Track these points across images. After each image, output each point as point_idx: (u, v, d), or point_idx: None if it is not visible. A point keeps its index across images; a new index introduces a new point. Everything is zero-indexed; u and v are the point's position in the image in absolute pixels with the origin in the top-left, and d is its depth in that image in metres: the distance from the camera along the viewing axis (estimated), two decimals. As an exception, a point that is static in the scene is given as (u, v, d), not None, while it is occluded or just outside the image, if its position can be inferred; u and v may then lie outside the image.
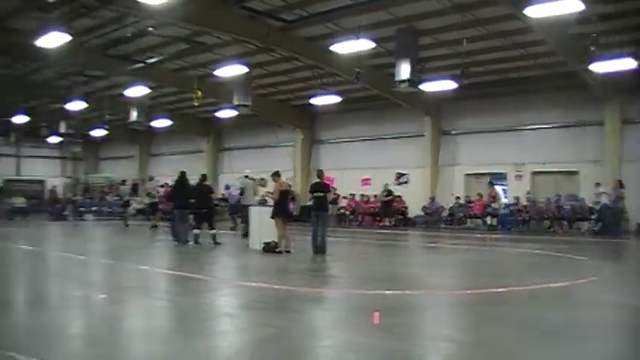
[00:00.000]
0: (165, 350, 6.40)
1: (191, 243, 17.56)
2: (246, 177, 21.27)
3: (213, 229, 17.81)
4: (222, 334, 7.31)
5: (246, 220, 20.04)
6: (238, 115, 28.06)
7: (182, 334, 7.11)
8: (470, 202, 27.26)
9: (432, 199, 27.93)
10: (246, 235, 19.48)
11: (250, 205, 19.54)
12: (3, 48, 21.31)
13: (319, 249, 15.06)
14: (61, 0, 17.72)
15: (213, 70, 23.18)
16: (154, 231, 23.69)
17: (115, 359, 6.16)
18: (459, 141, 28.48)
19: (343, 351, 6.49)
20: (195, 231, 17.83)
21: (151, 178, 30.06)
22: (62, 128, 36.88)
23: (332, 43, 19.31)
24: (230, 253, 16.75)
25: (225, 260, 15.72)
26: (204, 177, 19.26)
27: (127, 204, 29.00)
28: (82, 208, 36.23)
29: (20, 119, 35.08)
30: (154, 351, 6.39)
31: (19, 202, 34.82)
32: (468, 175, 28.25)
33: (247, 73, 22.69)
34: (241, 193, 20.95)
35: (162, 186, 26.66)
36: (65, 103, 30.45)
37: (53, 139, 40.81)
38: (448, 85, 21.95)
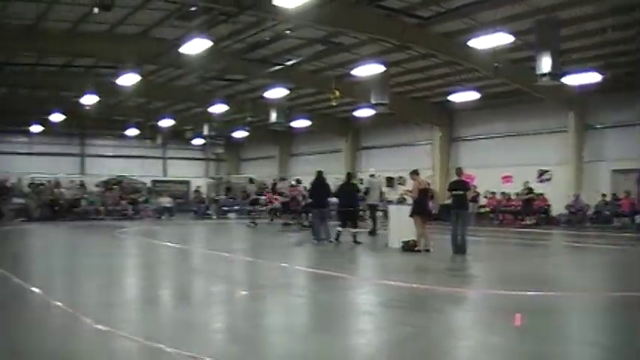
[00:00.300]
0: (305, 347, 6.49)
1: (332, 241, 17.65)
2: (372, 176, 21.36)
3: (355, 227, 17.88)
4: (361, 332, 7.33)
5: (373, 219, 20.20)
6: (376, 113, 28.07)
7: (321, 331, 7.19)
8: (617, 199, 25.96)
9: (577, 196, 26.83)
10: (372, 233, 19.58)
11: (376, 204, 19.65)
12: (150, 56, 22.31)
13: (459, 248, 14.82)
14: (202, 8, 18.36)
15: (350, 70, 23.27)
16: (286, 229, 24.20)
17: (257, 355, 6.31)
18: (605, 136, 27.12)
19: (483, 352, 6.35)
20: (339, 229, 17.87)
21: (283, 179, 30.67)
22: (205, 130, 38.19)
23: (469, 39, 18.89)
24: (369, 252, 16.77)
25: (364, 259, 15.79)
26: (350, 176, 19.38)
27: (255, 202, 29.62)
28: (224, 208, 37.45)
29: (166, 123, 36.68)
30: (295, 348, 6.49)
31: (166, 201, 36.40)
32: (614, 171, 26.88)
33: (384, 71, 22.60)
34: (366, 192, 20.96)
35: (291, 185, 27.24)
36: (208, 107, 31.48)
37: (197, 141, 42.39)
38: (592, 77, 20.97)
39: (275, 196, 27.96)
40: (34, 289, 9.85)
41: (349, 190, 18.41)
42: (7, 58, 25.09)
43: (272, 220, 27.26)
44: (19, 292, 9.75)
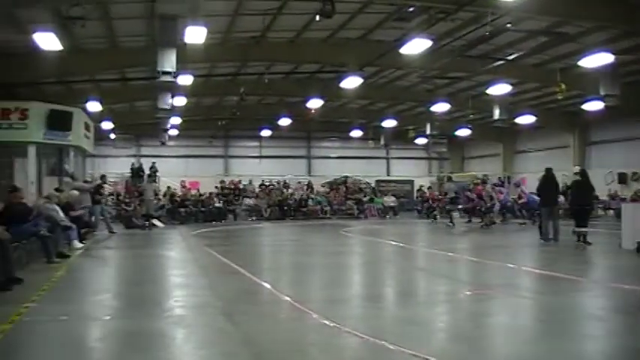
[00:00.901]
0: (531, 350, 6.29)
1: (583, 242, 16.78)
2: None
3: (584, 227, 17.01)
4: (592, 337, 6.95)
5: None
6: (606, 106, 26.55)
7: (548, 334, 6.92)
8: None
9: None
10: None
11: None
12: (371, 59, 22.68)
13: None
14: (420, 8, 18.39)
15: (577, 61, 22.21)
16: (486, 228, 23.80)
17: (481, 356, 6.21)
18: None
19: None
20: (577, 229, 16.98)
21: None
22: (428, 130, 38.17)
23: None
24: (600, 253, 15.89)
25: (595, 260, 14.98)
26: (584, 172, 18.47)
27: (453, 201, 29.10)
28: (448, 207, 37.12)
29: (389, 123, 37.13)
30: (520, 350, 6.31)
31: (390, 201, 36.88)
32: None
33: (613, 60, 21.32)
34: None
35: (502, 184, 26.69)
36: (430, 106, 31.50)
37: (419, 141, 42.44)
38: None
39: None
40: (264, 284, 10.43)
41: (584, 187, 17.55)
42: (238, 69, 26.75)
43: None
44: (252, 286, 10.34)
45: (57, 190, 18.75)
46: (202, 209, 30.92)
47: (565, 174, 25.29)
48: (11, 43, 20.27)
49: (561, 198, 20.44)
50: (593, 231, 17.51)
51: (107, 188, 27.09)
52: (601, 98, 24.15)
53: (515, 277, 11.86)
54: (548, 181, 18.24)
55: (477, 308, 8.60)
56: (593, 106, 27.67)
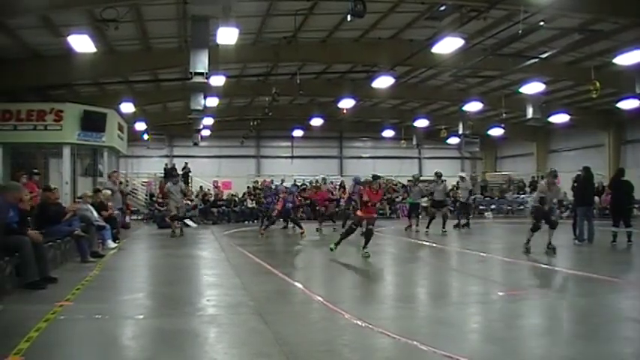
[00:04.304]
0: (564, 352, 6.21)
1: (617, 243, 16.56)
2: (462, 178, 21.06)
3: (629, 227, 16.77)
4: (627, 339, 6.83)
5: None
6: (641, 104, 26.21)
7: (582, 336, 6.85)
8: None
9: None
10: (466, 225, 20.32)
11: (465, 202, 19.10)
12: (403, 58, 22.57)
13: None
14: (451, 7, 18.31)
15: (612, 59, 21.90)
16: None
17: (515, 358, 6.15)
18: None
19: None
20: (614, 229, 16.85)
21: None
22: (460, 129, 37.91)
23: None
24: (635, 254, 15.70)
25: (631, 261, 14.83)
26: (622, 172, 18.20)
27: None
28: (481, 207, 36.89)
29: (421, 123, 37.01)
30: (553, 352, 6.23)
31: (423, 201, 36.65)
32: None
33: (649, 57, 20.99)
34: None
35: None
36: (462, 105, 31.34)
37: (452, 140, 42.18)
38: None
39: None
40: (297, 283, 10.46)
41: (622, 187, 17.32)
42: (270, 70, 26.85)
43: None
44: (284, 286, 10.37)
45: (96, 190, 18.95)
46: (235, 209, 31.03)
47: (600, 174, 24.98)
48: (46, 45, 20.59)
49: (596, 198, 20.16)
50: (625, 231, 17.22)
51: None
52: (637, 96, 23.84)
53: (548, 277, 11.76)
54: (586, 180, 18.01)
55: (510, 309, 8.52)
56: (629, 104, 27.41)
